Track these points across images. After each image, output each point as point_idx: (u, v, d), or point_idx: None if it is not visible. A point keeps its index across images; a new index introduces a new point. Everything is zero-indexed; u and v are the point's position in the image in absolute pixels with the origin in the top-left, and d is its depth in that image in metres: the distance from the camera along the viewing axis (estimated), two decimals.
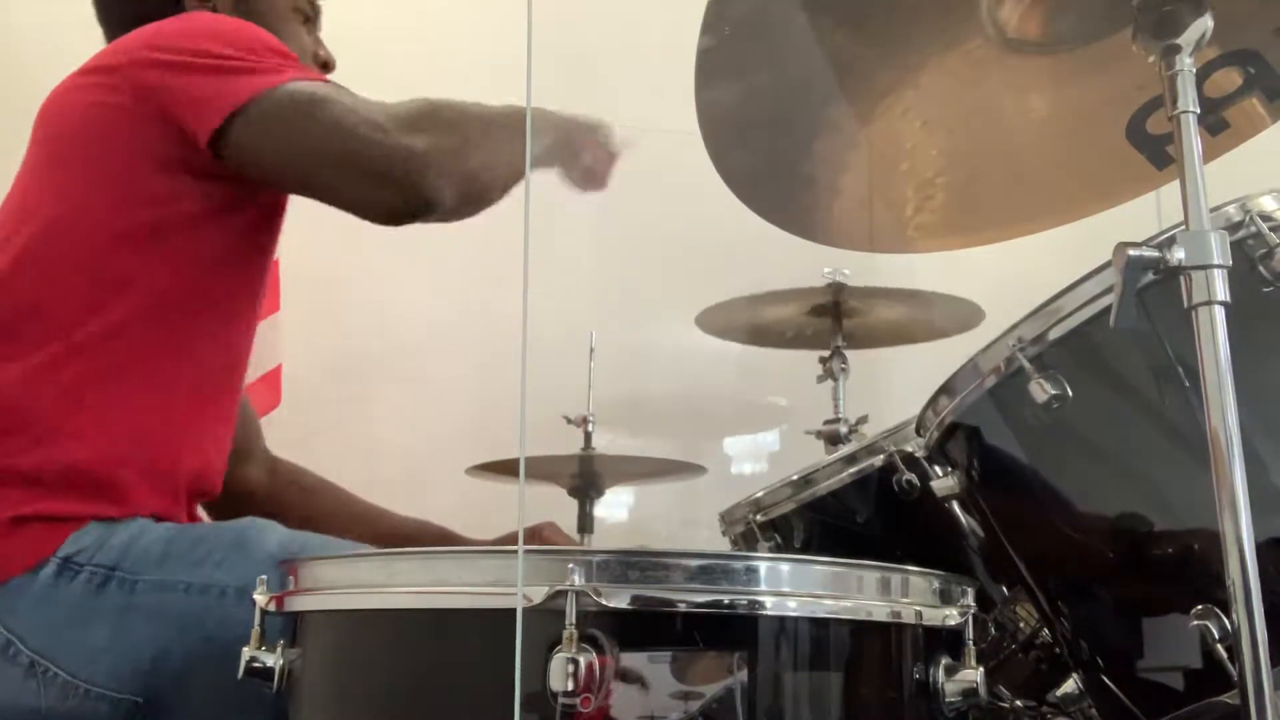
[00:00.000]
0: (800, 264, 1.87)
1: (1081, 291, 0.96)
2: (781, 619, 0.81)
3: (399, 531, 1.52)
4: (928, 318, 2.07)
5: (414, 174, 1.12)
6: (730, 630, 0.80)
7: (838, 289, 1.96)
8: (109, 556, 1.11)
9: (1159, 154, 1.12)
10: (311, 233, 2.54)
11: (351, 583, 0.89)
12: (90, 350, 1.14)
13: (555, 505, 1.90)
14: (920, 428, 1.20)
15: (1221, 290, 0.82)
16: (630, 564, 0.79)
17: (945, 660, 0.88)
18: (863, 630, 0.85)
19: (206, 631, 1.09)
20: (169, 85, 1.15)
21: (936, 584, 0.90)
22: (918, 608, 0.87)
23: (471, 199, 1.22)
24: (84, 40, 1.31)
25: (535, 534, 1.49)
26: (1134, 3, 0.93)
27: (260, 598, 0.93)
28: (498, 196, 1.26)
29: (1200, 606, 0.88)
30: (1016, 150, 1.20)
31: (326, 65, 1.44)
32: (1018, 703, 1.25)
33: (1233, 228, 0.92)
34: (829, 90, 1.12)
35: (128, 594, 1.10)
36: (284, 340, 2.27)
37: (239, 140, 1.14)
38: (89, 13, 1.37)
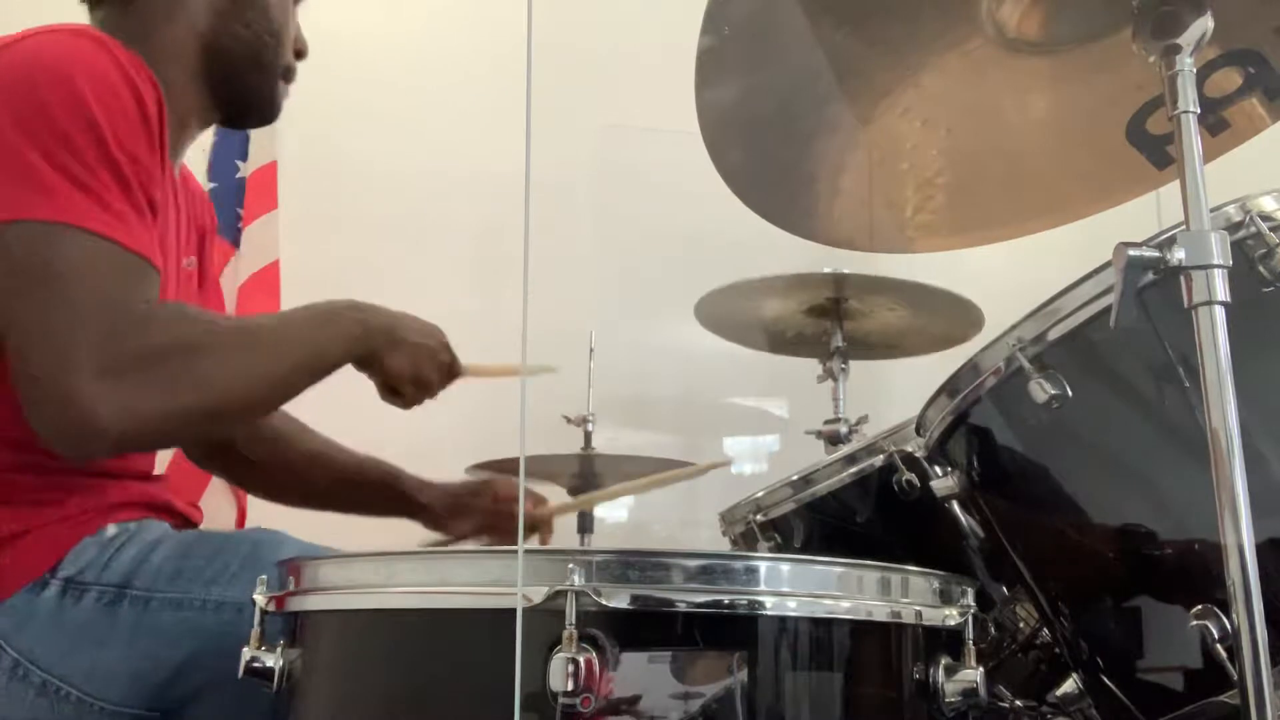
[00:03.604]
0: (800, 263, 1.87)
1: (1081, 291, 0.96)
2: (781, 619, 0.81)
3: (347, 471, 1.51)
4: (928, 319, 2.07)
5: (69, 424, 1.01)
6: (730, 630, 0.80)
7: (838, 283, 1.96)
8: (117, 575, 1.10)
9: (1159, 154, 1.12)
10: (311, 233, 2.56)
11: (351, 583, 0.89)
12: None
13: None
14: (920, 428, 1.20)
15: (1221, 290, 0.82)
16: (630, 564, 0.79)
17: (945, 660, 0.88)
18: (863, 630, 0.85)
19: (222, 648, 1.05)
20: None
21: (936, 584, 0.90)
22: (918, 608, 0.87)
23: (156, 444, 1.17)
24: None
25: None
26: (1134, 3, 0.93)
27: (260, 598, 0.93)
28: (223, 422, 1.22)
29: (1200, 606, 0.88)
30: (1016, 150, 1.20)
31: (300, 53, 1.37)
32: (1018, 703, 1.25)
33: (1233, 228, 0.92)
34: (829, 90, 1.12)
35: (141, 612, 1.09)
36: None
37: None
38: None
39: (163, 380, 1.05)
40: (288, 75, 1.35)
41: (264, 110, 1.35)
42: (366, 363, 1.22)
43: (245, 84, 1.31)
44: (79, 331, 1.02)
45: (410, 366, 1.24)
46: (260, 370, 1.13)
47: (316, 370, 1.17)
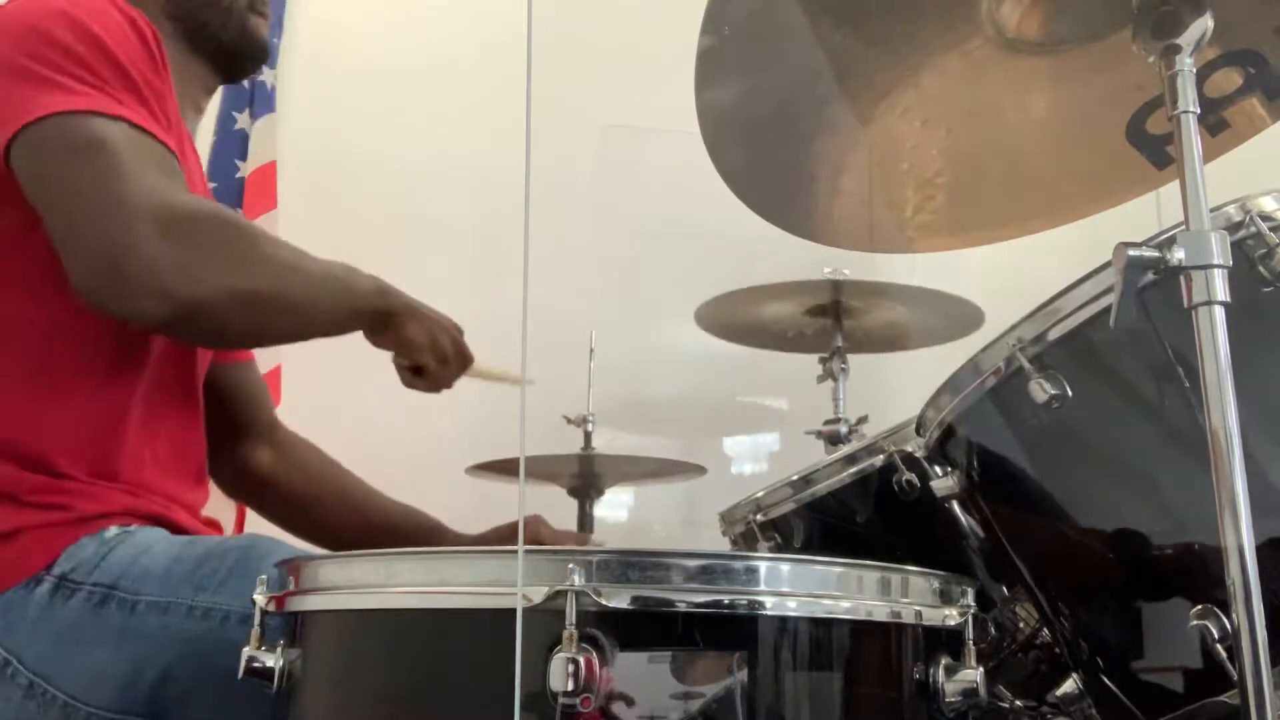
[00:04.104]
0: (800, 263, 1.87)
1: (1081, 291, 0.96)
2: (781, 619, 0.81)
3: (388, 520, 1.50)
4: (928, 319, 2.07)
5: (128, 276, 1.02)
6: (730, 630, 0.80)
7: (838, 288, 1.96)
8: (108, 575, 1.09)
9: (1159, 154, 1.12)
10: (311, 233, 2.55)
11: (351, 583, 0.89)
12: None
13: (555, 505, 1.90)
14: (920, 428, 1.20)
15: (1221, 290, 0.82)
16: (630, 564, 0.79)
17: (945, 660, 0.88)
18: (863, 630, 0.85)
19: (208, 654, 1.06)
20: None
21: (936, 584, 0.90)
22: (918, 608, 0.87)
23: (202, 328, 1.14)
24: None
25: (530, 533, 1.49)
26: (1134, 3, 0.93)
27: (260, 598, 0.93)
28: (255, 338, 1.22)
29: (1200, 606, 0.88)
30: (1016, 150, 1.20)
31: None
32: (1018, 703, 1.25)
33: (1233, 228, 0.92)
34: (829, 90, 1.12)
35: (128, 614, 1.08)
36: None
37: (16, 160, 1.06)
38: None
39: (221, 253, 1.07)
40: (255, 8, 1.34)
41: (243, 50, 1.35)
42: (385, 326, 1.22)
43: (215, 35, 1.32)
44: (132, 193, 1.03)
45: (427, 336, 1.24)
46: (304, 275, 1.15)
47: (347, 305, 1.18)
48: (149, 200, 1.04)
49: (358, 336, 1.22)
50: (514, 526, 1.54)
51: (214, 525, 1.33)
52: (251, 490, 1.51)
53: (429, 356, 1.25)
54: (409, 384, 1.28)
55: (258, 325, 1.19)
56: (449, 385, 1.30)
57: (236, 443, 1.47)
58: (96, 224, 1.03)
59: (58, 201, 1.06)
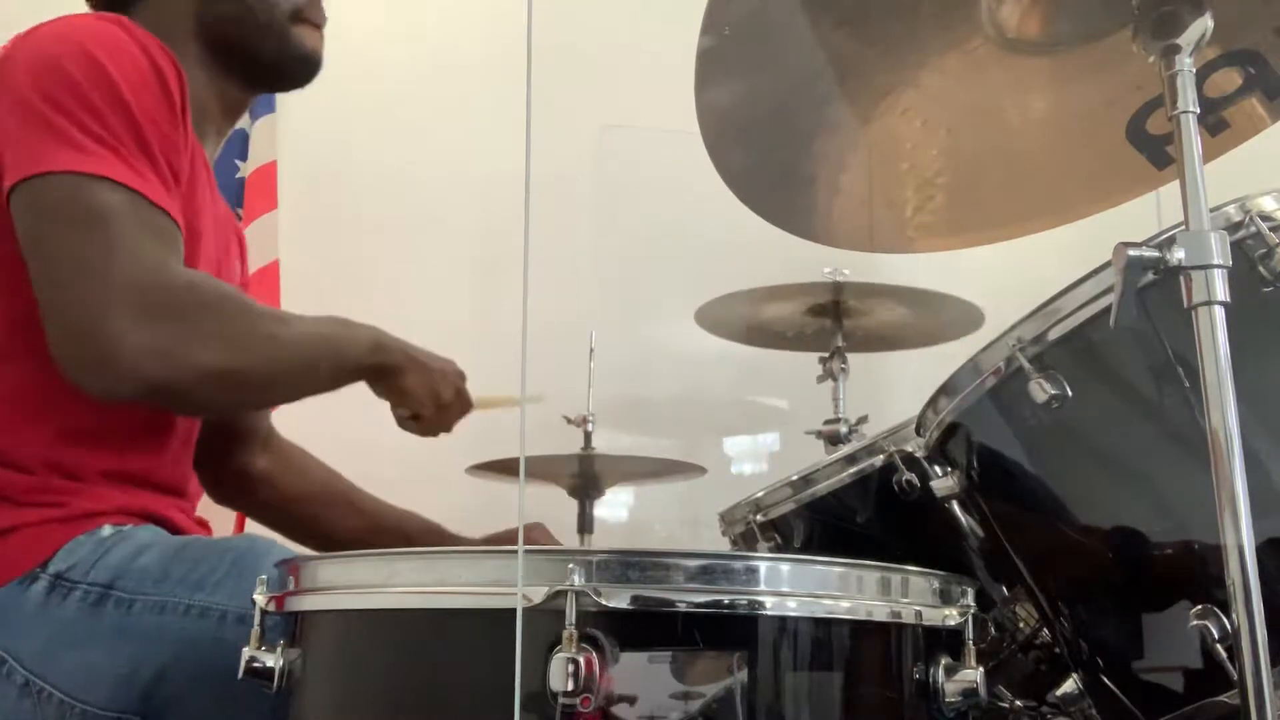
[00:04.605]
0: (800, 264, 1.87)
1: (1081, 291, 0.96)
2: (781, 619, 0.81)
3: (390, 525, 1.50)
4: (928, 319, 2.07)
5: (101, 359, 1.03)
6: (730, 630, 0.80)
7: (838, 289, 1.96)
8: (104, 574, 1.09)
9: (1159, 154, 1.12)
10: (311, 233, 2.56)
11: (351, 583, 0.89)
12: None
13: (555, 505, 1.90)
14: (920, 428, 1.20)
15: (1221, 290, 0.82)
16: (630, 564, 0.79)
17: (945, 660, 0.88)
18: (863, 630, 0.85)
19: (204, 654, 1.06)
20: (4, 121, 1.08)
21: (936, 584, 0.90)
22: (918, 608, 0.87)
23: (182, 405, 1.16)
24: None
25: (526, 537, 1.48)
26: (1134, 3, 0.93)
27: (260, 598, 0.93)
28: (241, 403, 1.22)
29: (1200, 606, 0.88)
30: (1016, 150, 1.20)
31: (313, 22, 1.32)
32: (1018, 703, 1.25)
33: (1233, 228, 0.92)
34: (829, 90, 1.12)
35: (124, 613, 1.08)
36: None
37: (16, 208, 1.07)
38: None
39: (197, 333, 1.07)
40: (301, 17, 1.31)
41: (285, 65, 1.32)
42: (382, 379, 1.22)
43: (249, 47, 1.30)
44: (117, 271, 1.03)
45: (425, 385, 1.23)
46: (288, 348, 1.14)
47: (336, 366, 1.18)
48: (133, 278, 1.04)
49: None
50: (513, 533, 1.55)
51: (203, 525, 1.33)
52: (249, 496, 1.51)
53: (429, 407, 1.25)
54: (406, 429, 1.28)
55: (239, 400, 1.21)
56: (448, 430, 1.30)
57: (233, 449, 1.47)
58: (76, 305, 1.03)
59: (46, 269, 1.06)
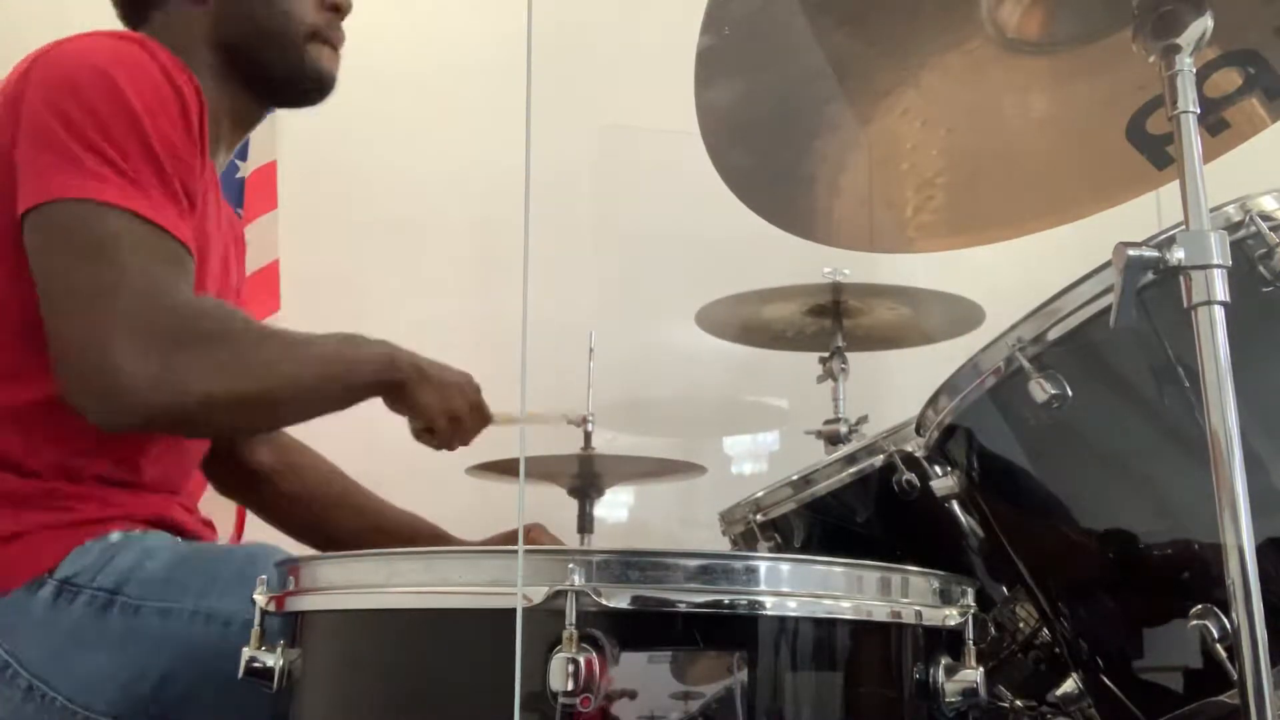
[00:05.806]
0: (800, 264, 1.87)
1: (1081, 291, 0.96)
2: (781, 619, 0.81)
3: (391, 526, 1.50)
4: (928, 319, 2.07)
5: (104, 391, 1.03)
6: (730, 630, 0.80)
7: (838, 289, 1.96)
8: (111, 579, 1.09)
9: (1159, 154, 1.12)
10: (311, 233, 2.56)
11: (351, 583, 0.89)
12: None
13: (555, 505, 1.90)
14: (920, 428, 1.20)
15: (1221, 290, 0.82)
16: (630, 564, 0.79)
17: (945, 660, 0.88)
18: (863, 630, 0.85)
19: (209, 661, 1.06)
20: (20, 143, 1.08)
21: (936, 584, 0.90)
22: (918, 608, 0.87)
23: (189, 431, 1.17)
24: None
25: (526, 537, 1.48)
26: (1134, 3, 0.93)
27: (260, 598, 0.93)
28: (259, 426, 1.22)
29: (1200, 606, 0.88)
30: (1016, 150, 1.20)
31: (338, 7, 1.32)
32: (1018, 703, 1.25)
33: (1233, 228, 0.92)
34: (829, 90, 1.12)
35: (130, 618, 1.09)
36: None
37: (28, 232, 1.07)
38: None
39: (203, 361, 1.07)
40: (318, 36, 1.31)
41: (298, 83, 1.32)
42: (396, 395, 1.22)
43: (265, 63, 1.29)
44: (124, 301, 1.04)
45: (440, 400, 1.23)
46: (295, 369, 1.14)
47: (346, 386, 1.18)
48: (139, 308, 1.04)
49: None
50: (513, 534, 1.55)
51: (208, 524, 1.33)
52: (251, 490, 1.51)
53: (442, 420, 1.25)
54: (422, 441, 1.28)
55: (249, 425, 1.21)
56: (465, 443, 1.30)
57: (239, 445, 1.47)
58: (80, 336, 1.04)
59: (52, 298, 1.06)
